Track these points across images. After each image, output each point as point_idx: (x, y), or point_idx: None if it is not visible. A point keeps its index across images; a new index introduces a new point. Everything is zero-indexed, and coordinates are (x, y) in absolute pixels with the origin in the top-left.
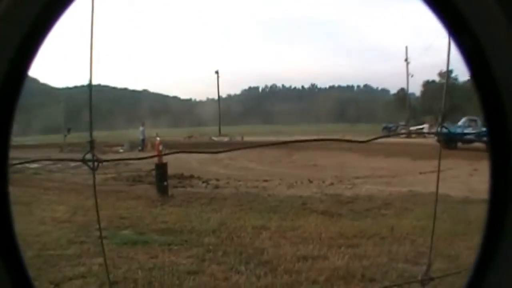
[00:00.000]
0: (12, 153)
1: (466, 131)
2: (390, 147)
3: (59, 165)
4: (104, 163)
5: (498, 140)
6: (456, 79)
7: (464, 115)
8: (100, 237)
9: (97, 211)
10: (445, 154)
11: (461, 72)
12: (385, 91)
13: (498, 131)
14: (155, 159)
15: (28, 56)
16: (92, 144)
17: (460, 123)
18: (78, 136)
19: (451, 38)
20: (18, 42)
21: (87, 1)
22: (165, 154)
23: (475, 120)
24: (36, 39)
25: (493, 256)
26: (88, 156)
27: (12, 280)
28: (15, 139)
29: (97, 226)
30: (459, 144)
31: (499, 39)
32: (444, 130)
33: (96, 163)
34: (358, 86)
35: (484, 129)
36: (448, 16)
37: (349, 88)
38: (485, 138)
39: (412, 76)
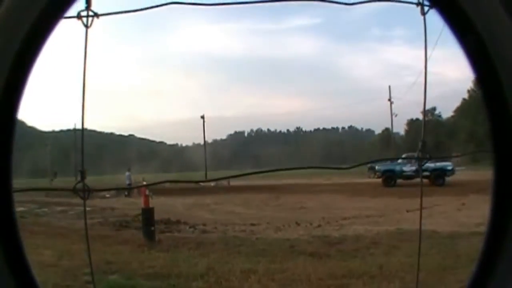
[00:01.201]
0: None
1: (405, 168)
2: (376, 187)
3: (45, 209)
4: (91, 208)
5: (501, 140)
6: (440, 116)
7: (449, 151)
8: (92, 277)
9: (88, 246)
10: (433, 190)
11: (444, 109)
12: (370, 132)
13: (502, 131)
14: (141, 205)
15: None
16: (83, 173)
17: (399, 160)
18: (64, 181)
19: (455, 38)
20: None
21: (77, 47)
22: (152, 184)
23: (413, 156)
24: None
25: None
26: (79, 186)
27: (16, 280)
28: None
29: (84, 271)
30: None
31: (503, 39)
32: (380, 167)
33: (87, 193)
34: (343, 128)
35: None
36: (453, 16)
37: (334, 130)
38: (425, 173)
39: (396, 115)
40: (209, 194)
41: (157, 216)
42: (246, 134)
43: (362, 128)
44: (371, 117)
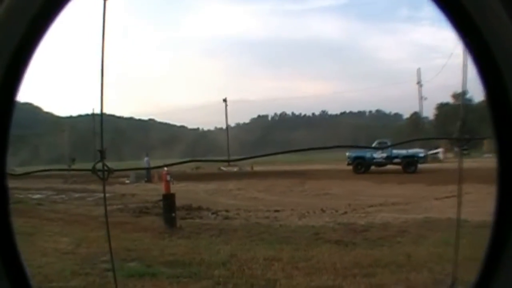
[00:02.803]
0: (15, 183)
1: (375, 154)
2: (404, 173)
3: (63, 196)
4: (110, 195)
5: (505, 138)
6: (470, 100)
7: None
8: (112, 264)
9: (108, 232)
10: (465, 177)
11: (476, 93)
12: (398, 116)
13: (505, 130)
14: (162, 190)
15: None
16: (102, 153)
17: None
18: (82, 167)
19: (459, 38)
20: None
21: (95, 30)
22: (175, 164)
23: (385, 143)
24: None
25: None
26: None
27: (11, 281)
28: (17, 168)
29: (102, 258)
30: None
31: (505, 39)
32: (350, 154)
33: (106, 173)
34: (370, 111)
35: (395, 151)
36: (457, 17)
37: (361, 113)
38: (396, 160)
39: (425, 99)
40: (231, 180)
41: (178, 202)
42: (269, 118)
43: (390, 112)
44: (399, 100)
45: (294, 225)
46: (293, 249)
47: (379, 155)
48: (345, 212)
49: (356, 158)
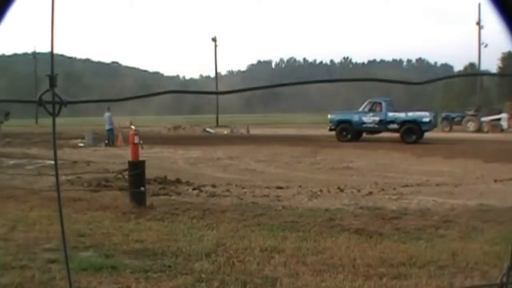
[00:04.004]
0: None
1: (366, 118)
2: (453, 144)
3: None
4: (58, 162)
5: None
6: None
7: None
8: (65, 254)
9: (60, 206)
10: None
11: None
12: (446, 67)
13: None
14: (128, 157)
15: None
16: (52, 79)
17: (360, 108)
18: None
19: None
20: None
21: None
22: (149, 95)
23: (379, 104)
24: None
25: None
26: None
27: None
28: None
29: (45, 246)
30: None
31: None
32: (333, 116)
33: (57, 106)
34: (409, 61)
35: (391, 114)
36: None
37: (396, 63)
38: (392, 126)
39: (485, 46)
40: (220, 145)
41: (149, 173)
42: (273, 65)
43: (435, 63)
44: (450, 47)
45: (302, 207)
46: (300, 238)
47: (370, 118)
48: (370, 193)
49: (340, 122)
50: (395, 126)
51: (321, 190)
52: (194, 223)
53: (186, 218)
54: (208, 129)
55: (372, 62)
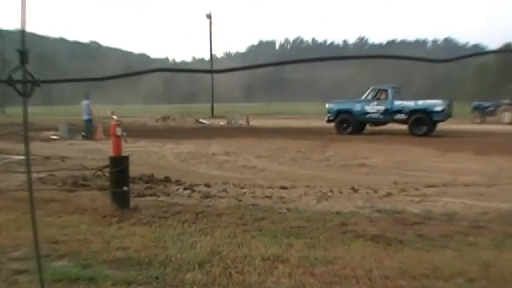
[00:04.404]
0: None
1: (369, 107)
2: (485, 138)
3: None
4: (30, 158)
5: None
6: None
7: None
8: (39, 264)
9: (32, 207)
10: None
11: None
12: (477, 48)
13: None
14: (109, 151)
15: None
16: (24, 56)
17: (363, 96)
18: None
19: None
20: None
21: None
22: (134, 73)
23: (384, 91)
24: None
25: None
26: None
27: None
28: None
29: (13, 255)
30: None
31: None
32: (331, 106)
33: (29, 85)
34: (435, 41)
35: (398, 102)
36: None
37: (420, 43)
38: (399, 116)
39: None
40: (216, 138)
41: (134, 171)
42: (277, 46)
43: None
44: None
45: (309, 210)
46: (307, 245)
47: (374, 107)
48: (389, 194)
49: (339, 111)
50: (402, 116)
51: (331, 191)
52: (186, 228)
53: (176, 222)
54: (201, 120)
55: (391, 43)
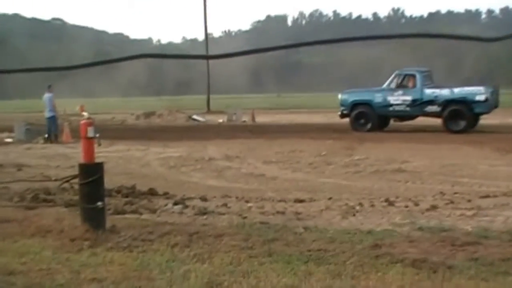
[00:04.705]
0: None
1: (392, 97)
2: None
3: None
4: None
5: None
6: None
7: None
8: None
9: None
10: None
11: None
12: None
13: None
14: (79, 157)
15: None
16: None
17: (385, 84)
18: None
19: None
20: None
21: None
22: (117, 60)
23: (412, 76)
24: None
25: None
26: None
27: None
28: None
29: None
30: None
31: None
32: (346, 96)
33: None
34: (491, 12)
35: (430, 91)
36: None
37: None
38: (430, 108)
39: None
40: (213, 140)
41: (110, 181)
42: (289, 21)
43: None
44: None
45: (333, 229)
46: (331, 274)
47: (398, 98)
48: (434, 207)
49: (355, 103)
50: (435, 108)
51: (361, 204)
52: (176, 253)
53: (164, 246)
54: (195, 117)
55: (434, 15)
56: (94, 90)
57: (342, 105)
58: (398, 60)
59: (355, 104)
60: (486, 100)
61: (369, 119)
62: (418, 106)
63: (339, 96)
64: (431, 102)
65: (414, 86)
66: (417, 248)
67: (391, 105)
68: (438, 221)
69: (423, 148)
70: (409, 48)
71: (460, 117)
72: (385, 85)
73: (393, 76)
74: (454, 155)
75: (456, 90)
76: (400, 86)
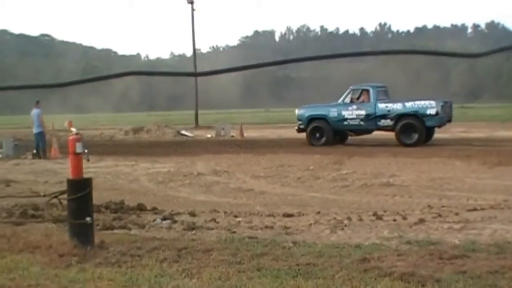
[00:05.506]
0: None
1: (346, 112)
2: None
3: None
4: None
5: None
6: None
7: None
8: None
9: None
10: None
11: None
12: None
13: None
14: (67, 173)
15: None
16: None
17: (340, 99)
18: None
19: None
20: None
21: None
22: (105, 77)
23: (366, 91)
24: None
25: None
26: None
27: None
28: None
29: None
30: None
31: None
32: (302, 112)
33: None
34: (477, 26)
35: (383, 105)
36: None
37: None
38: (383, 122)
39: None
40: (202, 154)
41: (98, 197)
42: (277, 37)
43: None
44: None
45: (321, 243)
46: None
47: (353, 112)
48: (422, 220)
49: (311, 118)
50: (388, 122)
51: (349, 218)
52: (165, 268)
53: (153, 262)
54: (183, 132)
55: (421, 30)
56: (85, 106)
57: (299, 119)
58: (386, 74)
59: (311, 119)
60: (437, 113)
61: (324, 133)
62: (372, 120)
63: (296, 111)
64: (384, 116)
65: (368, 100)
66: (405, 261)
67: (346, 119)
68: (426, 235)
69: (411, 162)
70: (397, 62)
71: (413, 130)
72: (340, 100)
73: (348, 91)
74: (442, 168)
75: (408, 104)
76: (354, 101)
